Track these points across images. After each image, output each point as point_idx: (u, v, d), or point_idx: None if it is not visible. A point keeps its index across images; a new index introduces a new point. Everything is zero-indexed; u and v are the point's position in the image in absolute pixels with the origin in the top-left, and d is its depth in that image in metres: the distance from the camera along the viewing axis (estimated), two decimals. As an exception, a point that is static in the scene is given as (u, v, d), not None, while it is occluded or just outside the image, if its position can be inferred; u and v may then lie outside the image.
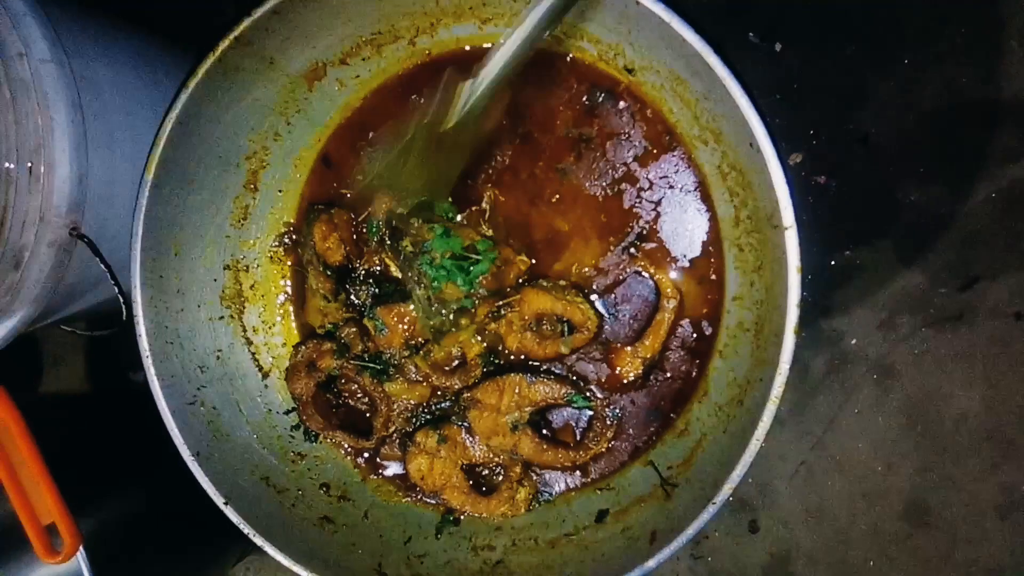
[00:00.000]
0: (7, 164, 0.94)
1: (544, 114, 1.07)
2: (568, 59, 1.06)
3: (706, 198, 1.04)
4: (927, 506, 1.42)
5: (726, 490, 0.87)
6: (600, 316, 1.07)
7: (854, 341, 1.41)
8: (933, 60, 1.33)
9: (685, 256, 1.05)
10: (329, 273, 1.12)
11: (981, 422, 1.39)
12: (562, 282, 1.07)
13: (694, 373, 1.06)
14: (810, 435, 1.44)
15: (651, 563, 0.91)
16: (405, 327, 1.07)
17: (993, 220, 1.35)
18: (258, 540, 0.99)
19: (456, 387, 1.09)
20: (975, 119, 1.33)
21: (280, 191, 1.15)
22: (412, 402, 1.12)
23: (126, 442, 1.39)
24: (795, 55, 1.38)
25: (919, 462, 1.41)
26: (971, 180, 1.35)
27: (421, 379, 1.10)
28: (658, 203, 1.05)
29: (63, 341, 1.71)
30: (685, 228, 1.05)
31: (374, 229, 1.11)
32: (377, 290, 1.11)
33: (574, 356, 1.08)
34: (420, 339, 1.08)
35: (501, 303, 1.07)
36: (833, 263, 1.40)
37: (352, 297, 1.13)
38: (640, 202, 1.06)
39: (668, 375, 1.07)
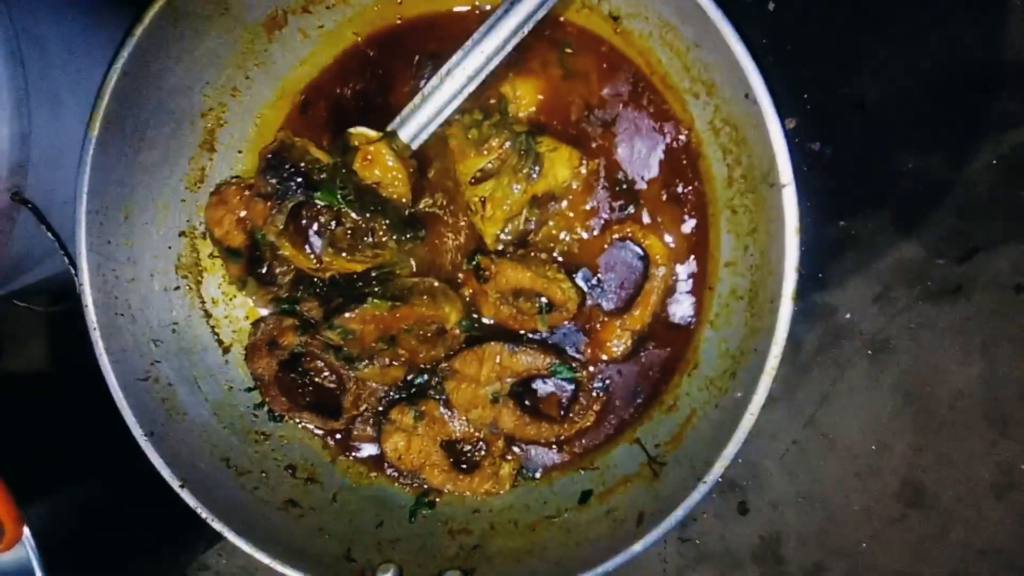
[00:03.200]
0: (-65, 122, 0.87)
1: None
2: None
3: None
4: (922, 486, 1.38)
5: (717, 469, 0.82)
6: (582, 294, 1.02)
7: (848, 315, 1.37)
8: (933, 21, 1.28)
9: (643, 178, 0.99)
10: (234, 258, 1.04)
11: (978, 399, 1.36)
12: (543, 255, 1.01)
13: (683, 344, 1.00)
14: (802, 413, 1.40)
15: (637, 546, 0.85)
16: (375, 325, 1.00)
17: (993, 188, 1.31)
18: (217, 525, 0.93)
19: (440, 356, 1.03)
20: (975, 83, 1.29)
21: (240, 152, 1.08)
22: (385, 386, 1.06)
23: (85, 424, 1.33)
24: (789, 15, 1.32)
25: (914, 441, 1.38)
26: (971, 146, 1.30)
27: (394, 364, 1.03)
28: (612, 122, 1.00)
29: (21, 318, 1.63)
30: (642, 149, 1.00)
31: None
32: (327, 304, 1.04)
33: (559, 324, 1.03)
34: (395, 330, 1.01)
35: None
36: (827, 233, 1.35)
37: (306, 312, 1.05)
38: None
39: (656, 347, 1.01)
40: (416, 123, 0.98)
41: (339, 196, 0.98)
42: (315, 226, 1.03)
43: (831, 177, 1.33)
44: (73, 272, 0.96)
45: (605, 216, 1.01)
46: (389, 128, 0.98)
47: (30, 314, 1.59)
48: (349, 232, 1.00)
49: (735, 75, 0.79)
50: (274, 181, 0.98)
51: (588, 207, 1.01)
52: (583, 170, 1.00)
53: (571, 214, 1.02)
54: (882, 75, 1.31)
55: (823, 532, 1.42)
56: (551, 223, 1.02)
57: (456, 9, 1.03)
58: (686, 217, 1.00)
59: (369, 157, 0.97)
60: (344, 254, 1.00)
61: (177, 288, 1.05)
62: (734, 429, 0.81)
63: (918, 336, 1.36)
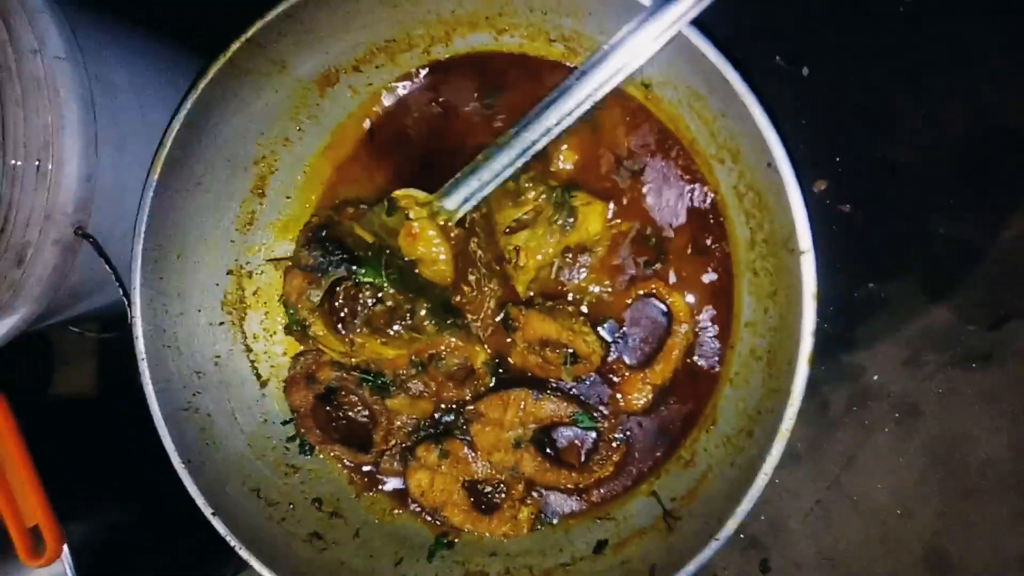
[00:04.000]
0: (13, 161, 0.94)
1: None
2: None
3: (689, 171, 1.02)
4: (948, 554, 1.35)
5: (730, 526, 0.83)
6: (606, 347, 1.04)
7: (876, 377, 1.36)
8: (965, 86, 1.29)
9: (671, 226, 1.02)
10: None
11: (1008, 467, 1.33)
12: (570, 307, 1.04)
13: (703, 400, 1.01)
14: (827, 473, 1.38)
15: (649, 600, 0.86)
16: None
17: (1025, 257, 1.30)
18: (244, 553, 0.96)
19: (467, 397, 1.06)
20: (1009, 148, 1.29)
21: (288, 198, 1.14)
22: (414, 417, 1.09)
23: (126, 447, 1.38)
24: (823, 80, 1.34)
25: (941, 507, 1.35)
26: (1003, 213, 1.30)
27: (425, 394, 1.07)
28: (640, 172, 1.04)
29: (73, 343, 1.70)
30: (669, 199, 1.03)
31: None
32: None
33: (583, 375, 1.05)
34: (427, 355, 1.05)
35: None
36: (856, 295, 1.35)
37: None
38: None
39: (677, 402, 1.03)
40: (467, 190, 0.98)
41: (383, 273, 0.98)
42: (351, 306, 1.02)
43: (861, 239, 1.34)
44: (126, 304, 1.02)
45: (632, 272, 1.04)
46: (438, 193, 0.99)
47: (81, 339, 1.66)
48: (387, 312, 1.01)
49: (759, 144, 0.82)
50: (317, 255, 0.99)
51: (616, 262, 1.04)
52: (615, 225, 1.03)
53: (600, 267, 1.05)
54: (915, 139, 1.32)
55: (846, 596, 1.39)
56: (581, 275, 1.06)
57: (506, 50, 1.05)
58: (710, 270, 1.02)
59: (414, 232, 0.99)
60: (379, 335, 1.01)
61: (222, 323, 1.10)
62: (748, 488, 0.82)
63: (947, 402, 1.34)
